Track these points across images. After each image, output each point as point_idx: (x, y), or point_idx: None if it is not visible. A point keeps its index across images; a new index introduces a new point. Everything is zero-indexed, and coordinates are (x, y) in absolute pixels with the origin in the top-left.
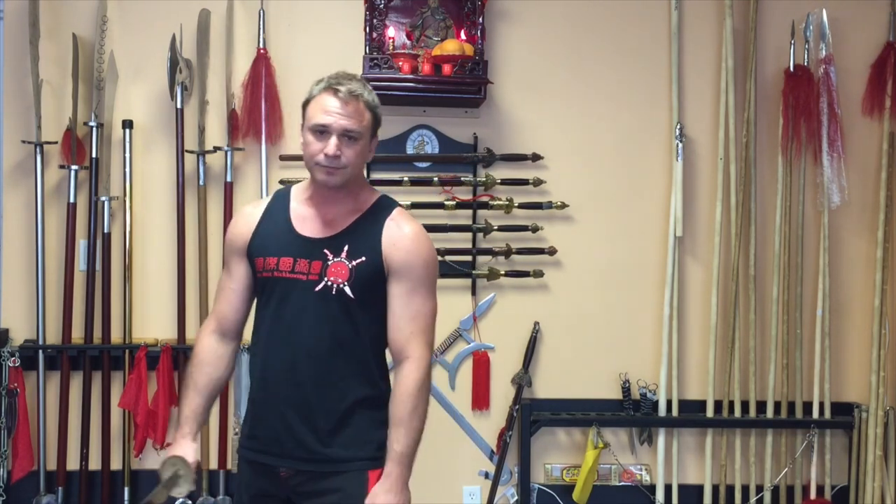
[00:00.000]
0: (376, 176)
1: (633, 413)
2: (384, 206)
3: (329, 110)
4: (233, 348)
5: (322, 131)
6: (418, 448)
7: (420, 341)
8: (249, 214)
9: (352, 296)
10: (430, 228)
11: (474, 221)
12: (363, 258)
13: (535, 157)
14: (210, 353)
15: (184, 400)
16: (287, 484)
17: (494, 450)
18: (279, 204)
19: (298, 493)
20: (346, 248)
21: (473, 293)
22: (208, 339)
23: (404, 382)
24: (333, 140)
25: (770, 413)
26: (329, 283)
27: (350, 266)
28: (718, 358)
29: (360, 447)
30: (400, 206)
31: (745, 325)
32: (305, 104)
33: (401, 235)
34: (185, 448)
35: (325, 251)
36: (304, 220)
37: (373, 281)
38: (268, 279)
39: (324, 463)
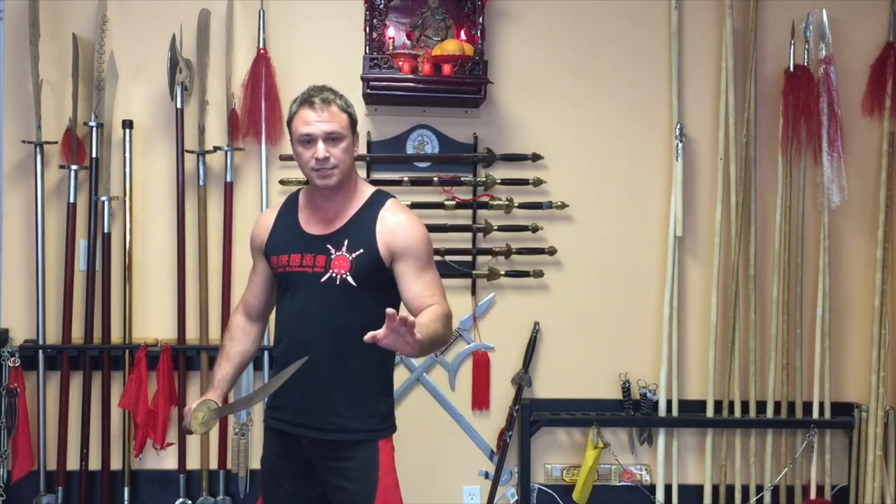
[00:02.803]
0: (376, 176)
1: (633, 413)
2: (378, 200)
3: (309, 121)
4: (259, 328)
5: (308, 140)
6: (429, 349)
7: (441, 301)
8: (266, 217)
9: (354, 284)
10: (430, 228)
11: (474, 221)
12: (361, 250)
13: (535, 157)
14: (239, 330)
15: (216, 368)
16: (307, 451)
17: (494, 450)
18: (289, 207)
19: (317, 458)
20: (346, 242)
21: (473, 293)
22: (238, 318)
23: (432, 308)
24: (319, 144)
25: (770, 413)
26: (333, 274)
27: (350, 258)
28: (718, 358)
29: (368, 419)
30: (393, 197)
31: (745, 325)
32: (289, 123)
33: (396, 223)
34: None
35: (328, 246)
36: (309, 219)
37: (372, 269)
38: (282, 274)
39: (338, 433)
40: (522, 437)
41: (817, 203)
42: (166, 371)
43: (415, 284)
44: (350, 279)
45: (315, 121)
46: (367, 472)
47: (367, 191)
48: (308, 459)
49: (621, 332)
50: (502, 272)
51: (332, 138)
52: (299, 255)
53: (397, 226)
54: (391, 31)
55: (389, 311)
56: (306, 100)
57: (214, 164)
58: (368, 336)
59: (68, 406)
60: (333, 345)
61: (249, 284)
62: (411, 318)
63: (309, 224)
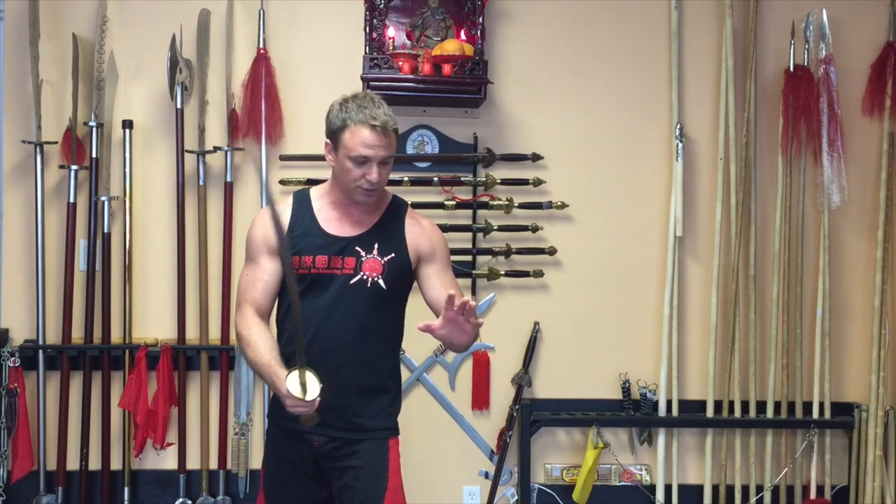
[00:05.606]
0: None
1: (633, 413)
2: (399, 206)
3: (370, 144)
4: (267, 327)
5: (363, 162)
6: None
7: None
8: (279, 216)
9: (384, 287)
10: None
11: (474, 221)
12: (393, 254)
13: (535, 157)
14: (263, 328)
15: (269, 361)
16: (319, 451)
17: (494, 450)
18: (303, 207)
19: (327, 457)
20: (376, 245)
21: (473, 293)
22: (255, 320)
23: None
24: (375, 169)
25: (770, 413)
26: (364, 276)
27: (382, 262)
28: (718, 358)
29: (384, 418)
30: (408, 204)
31: (745, 325)
32: (339, 130)
33: (422, 229)
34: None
35: (357, 248)
36: (331, 220)
37: (401, 273)
38: (304, 275)
39: (354, 431)
40: (522, 436)
41: (817, 203)
42: (166, 371)
43: (441, 284)
44: (381, 282)
45: (376, 145)
46: (377, 472)
47: (385, 195)
48: (317, 461)
49: (621, 332)
50: (502, 272)
51: (384, 162)
52: (326, 256)
53: (423, 231)
54: (391, 31)
55: (451, 292)
56: (367, 122)
57: (214, 164)
58: (422, 325)
59: (68, 406)
60: (360, 345)
61: (257, 286)
62: (471, 301)
63: (331, 226)
